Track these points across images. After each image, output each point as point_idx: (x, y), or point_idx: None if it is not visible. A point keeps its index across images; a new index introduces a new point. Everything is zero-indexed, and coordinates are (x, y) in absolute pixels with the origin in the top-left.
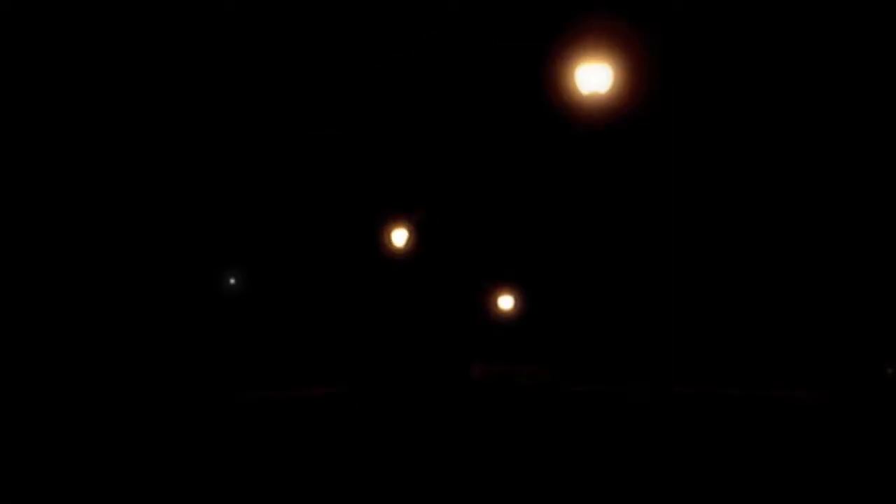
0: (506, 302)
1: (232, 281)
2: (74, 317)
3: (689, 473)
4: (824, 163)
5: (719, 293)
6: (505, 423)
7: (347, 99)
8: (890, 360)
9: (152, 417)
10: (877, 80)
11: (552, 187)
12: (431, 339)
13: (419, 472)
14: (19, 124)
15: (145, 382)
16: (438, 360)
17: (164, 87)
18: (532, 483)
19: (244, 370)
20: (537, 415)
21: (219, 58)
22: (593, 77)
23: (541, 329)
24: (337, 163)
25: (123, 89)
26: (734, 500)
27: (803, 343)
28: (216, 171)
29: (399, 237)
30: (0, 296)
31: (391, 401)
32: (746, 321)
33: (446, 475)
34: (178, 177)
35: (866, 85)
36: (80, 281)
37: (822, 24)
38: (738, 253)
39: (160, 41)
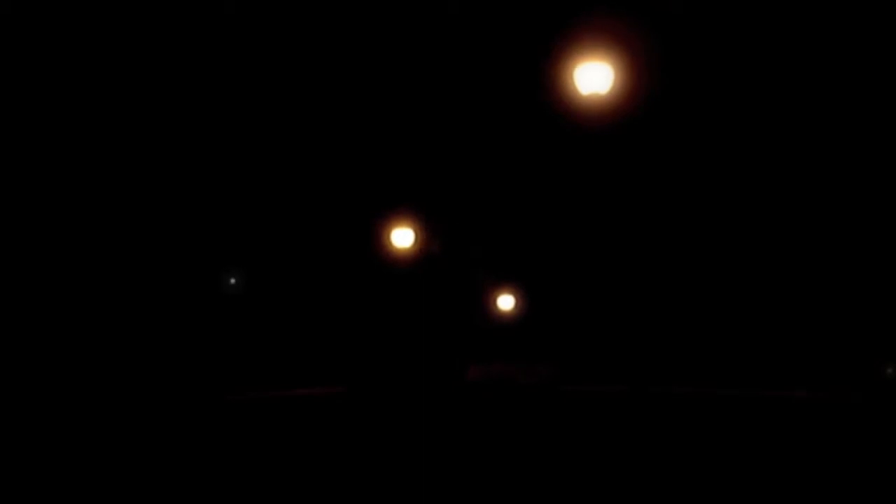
0: (506, 302)
1: (232, 281)
2: (75, 315)
3: (688, 473)
4: (825, 163)
5: (720, 293)
6: (503, 423)
7: (348, 99)
8: (890, 360)
9: (156, 416)
10: (876, 81)
11: (551, 188)
12: (430, 338)
13: (418, 472)
14: (19, 125)
15: (149, 382)
16: (437, 359)
17: (166, 87)
18: (531, 482)
19: (244, 369)
20: (536, 414)
21: (220, 58)
22: (593, 77)
23: (540, 329)
24: (337, 163)
25: (124, 90)
26: (734, 499)
27: (803, 343)
28: (217, 172)
29: (399, 238)
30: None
31: (390, 400)
32: (747, 322)
33: (445, 475)
34: (180, 177)
35: (866, 85)
36: (82, 280)
37: (822, 23)
38: (739, 253)
39: (161, 42)
